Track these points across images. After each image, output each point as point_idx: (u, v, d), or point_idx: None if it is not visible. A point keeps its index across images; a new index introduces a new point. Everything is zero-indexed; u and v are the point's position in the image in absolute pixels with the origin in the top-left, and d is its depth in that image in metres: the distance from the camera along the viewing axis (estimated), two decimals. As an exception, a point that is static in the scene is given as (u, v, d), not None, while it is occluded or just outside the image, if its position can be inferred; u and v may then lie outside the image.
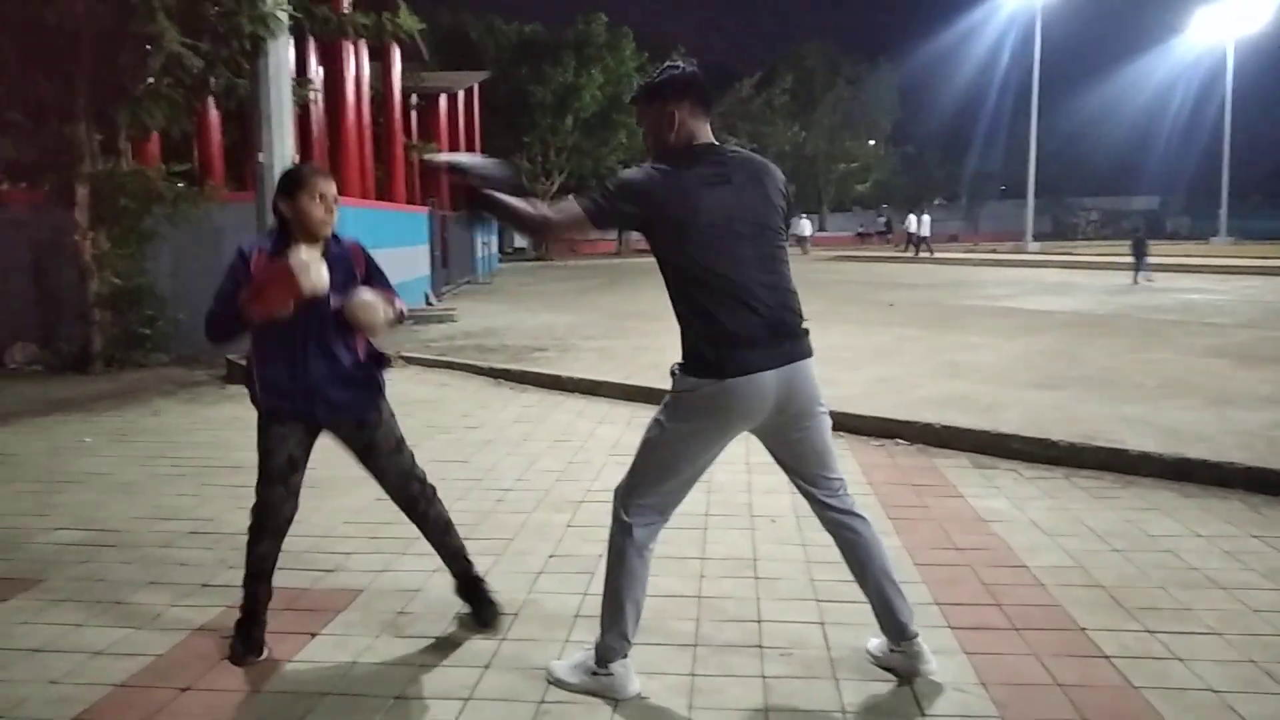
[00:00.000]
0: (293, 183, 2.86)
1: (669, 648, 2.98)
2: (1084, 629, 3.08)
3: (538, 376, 8.26)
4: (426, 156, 2.72)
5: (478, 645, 3.03)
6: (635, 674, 2.71)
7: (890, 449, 5.67)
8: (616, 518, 2.69)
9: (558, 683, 2.75)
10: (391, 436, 3.12)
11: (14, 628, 3.17)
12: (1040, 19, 36.99)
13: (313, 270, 2.71)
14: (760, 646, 2.99)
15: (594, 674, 2.69)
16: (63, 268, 9.50)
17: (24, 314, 10.02)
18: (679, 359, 2.61)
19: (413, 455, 3.21)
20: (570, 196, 2.63)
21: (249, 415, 7.49)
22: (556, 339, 10.69)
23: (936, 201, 65.90)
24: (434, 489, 3.22)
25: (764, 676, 2.79)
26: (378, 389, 3.09)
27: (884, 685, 2.73)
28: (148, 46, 7.88)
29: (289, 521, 3.04)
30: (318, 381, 2.92)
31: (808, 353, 2.61)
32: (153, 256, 9.62)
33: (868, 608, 3.22)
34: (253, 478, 4.84)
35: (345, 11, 10.58)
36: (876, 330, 11.14)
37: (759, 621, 3.18)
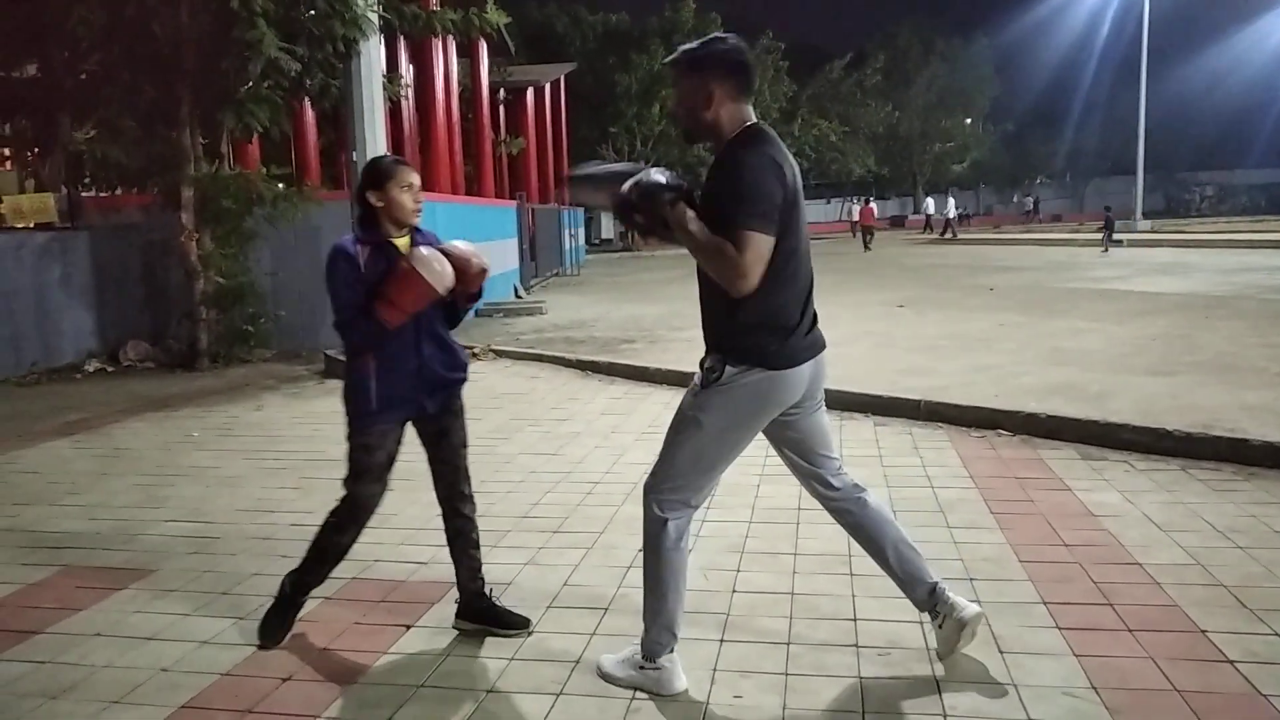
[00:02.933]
0: (382, 174, 2.88)
1: (761, 645, 2.92)
2: (1204, 631, 2.89)
3: (626, 368, 8.25)
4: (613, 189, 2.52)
5: (568, 640, 3.02)
6: (682, 670, 2.67)
7: (992, 440, 5.46)
8: (649, 512, 2.64)
9: (606, 677, 2.72)
10: (464, 430, 3.16)
11: (129, 616, 3.31)
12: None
13: (435, 266, 2.76)
14: (856, 646, 2.90)
15: (642, 669, 2.66)
16: (171, 268, 9.94)
17: (136, 313, 10.54)
18: (717, 352, 2.52)
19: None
20: (744, 230, 2.35)
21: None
22: (644, 330, 10.67)
23: (1039, 180, 63.51)
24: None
25: (860, 677, 2.70)
26: (466, 374, 3.13)
27: (988, 688, 2.61)
28: (247, 53, 8.13)
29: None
30: (434, 371, 2.96)
31: (825, 344, 2.66)
32: (254, 256, 9.97)
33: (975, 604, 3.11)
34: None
35: (434, 9, 10.74)
36: (976, 316, 10.78)
37: (854, 620, 3.08)
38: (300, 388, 8.21)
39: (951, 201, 37.27)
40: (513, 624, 3.11)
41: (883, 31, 55.21)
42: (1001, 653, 2.80)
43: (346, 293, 2.82)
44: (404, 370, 2.93)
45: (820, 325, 2.66)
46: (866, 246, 29.32)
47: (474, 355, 9.72)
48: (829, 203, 58.06)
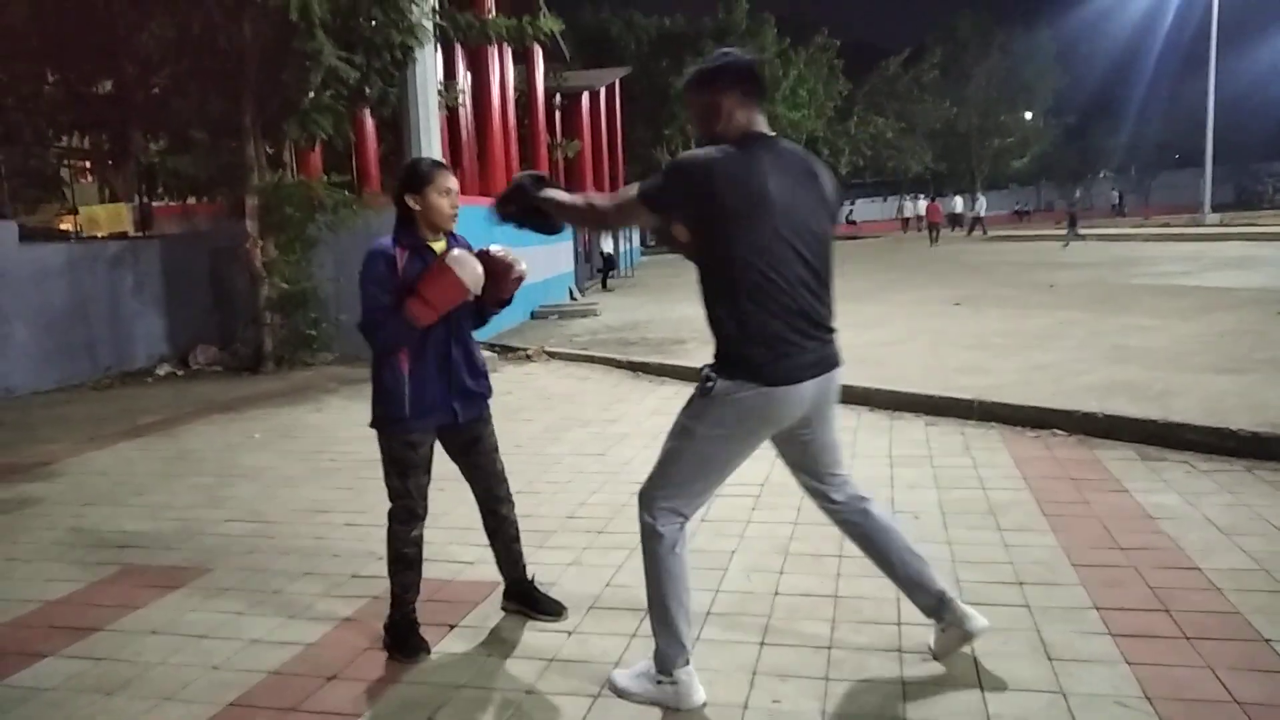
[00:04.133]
0: (420, 178, 2.91)
1: (803, 649, 2.90)
2: (1268, 640, 2.79)
3: (675, 369, 8.25)
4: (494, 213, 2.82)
5: (608, 642, 3.03)
6: (699, 682, 2.62)
7: (1047, 440, 5.34)
8: (643, 520, 2.60)
9: (621, 693, 2.67)
10: (494, 435, 3.20)
11: (184, 614, 3.41)
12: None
13: (470, 267, 2.81)
14: (899, 650, 2.85)
15: (658, 683, 2.61)
16: (237, 275, 10.23)
17: (204, 318, 10.87)
18: (714, 361, 2.49)
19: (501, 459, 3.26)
20: (635, 185, 2.56)
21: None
22: (697, 331, 10.64)
23: (1102, 174, 61.84)
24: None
25: (903, 682, 2.66)
26: (489, 384, 3.17)
27: (1034, 696, 2.55)
28: (307, 63, 8.33)
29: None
30: (462, 378, 3.00)
31: (839, 360, 2.59)
32: (316, 262, 10.20)
33: (1017, 611, 3.06)
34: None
35: (488, 16, 10.88)
36: (1035, 313, 10.54)
37: (898, 624, 3.04)
38: (358, 390, 8.37)
39: (982, 200, 38.34)
40: (547, 610, 3.21)
41: (941, 25, 54.29)
42: (1050, 659, 2.74)
43: (377, 293, 2.86)
44: (436, 375, 2.96)
45: (868, 327, 2.63)
46: (932, 242, 30.58)
47: (527, 357, 9.82)
48: (885, 200, 57.35)
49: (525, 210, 2.74)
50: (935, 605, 2.70)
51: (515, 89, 16.78)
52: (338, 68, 7.96)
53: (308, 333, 10.13)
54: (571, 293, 16.39)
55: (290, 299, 9.96)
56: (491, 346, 10.05)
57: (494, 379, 3.24)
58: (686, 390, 7.82)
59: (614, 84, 27.87)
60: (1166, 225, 33.81)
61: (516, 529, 3.28)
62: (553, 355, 9.77)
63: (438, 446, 3.10)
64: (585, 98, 24.39)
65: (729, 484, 4.75)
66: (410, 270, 2.87)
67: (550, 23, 10.66)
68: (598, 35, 35.29)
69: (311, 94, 9.22)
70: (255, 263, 9.72)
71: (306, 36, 7.71)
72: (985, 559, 3.57)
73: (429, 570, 3.69)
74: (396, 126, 14.22)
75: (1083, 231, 24.77)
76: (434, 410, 2.98)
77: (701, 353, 8.95)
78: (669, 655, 2.60)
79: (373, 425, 3.01)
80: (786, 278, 2.42)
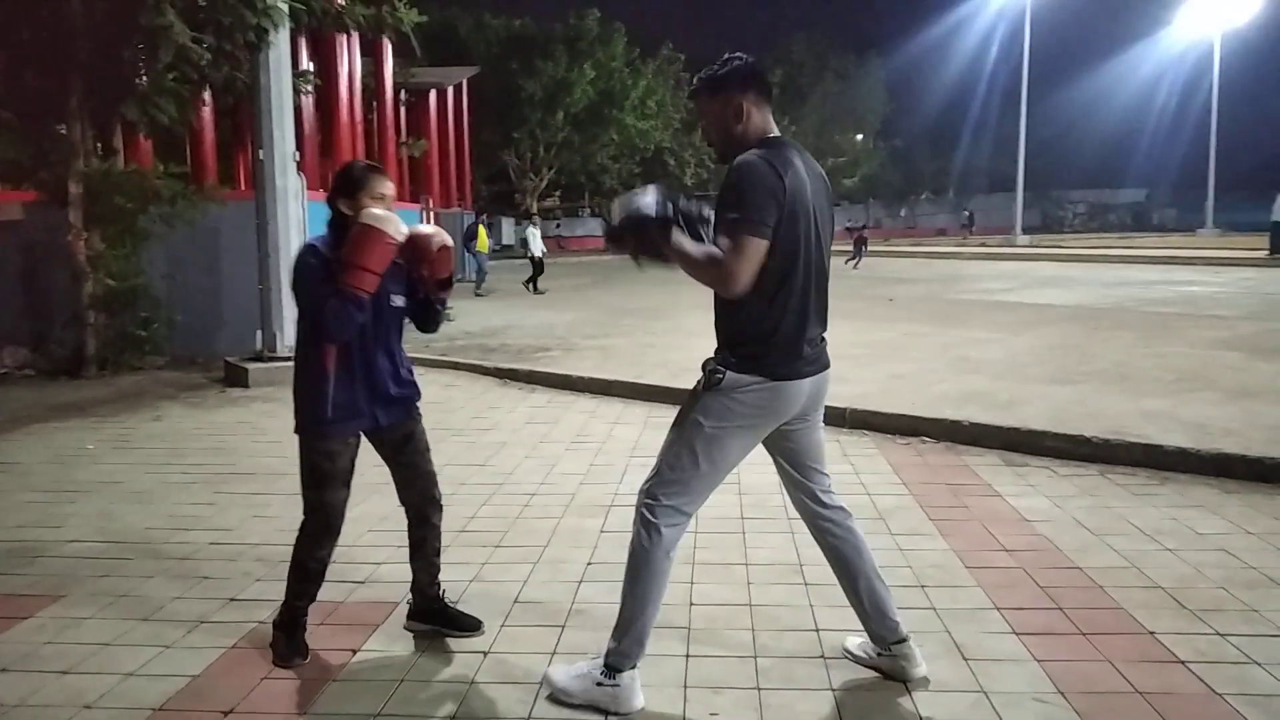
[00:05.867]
0: (353, 183, 2.80)
1: (729, 660, 2.87)
2: (1152, 633, 2.98)
3: (547, 376, 8.12)
4: (609, 225, 2.51)
5: (528, 660, 2.90)
6: (640, 687, 2.58)
7: (918, 447, 5.58)
8: (642, 519, 2.56)
9: (559, 692, 2.61)
10: (424, 436, 3.08)
11: (40, 648, 3.03)
12: (1029, 12, 36.98)
13: (387, 217, 2.68)
14: (824, 657, 2.87)
15: (599, 684, 2.56)
16: (55, 269, 9.29)
17: (14, 317, 9.80)
18: (721, 355, 2.51)
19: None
20: (732, 236, 2.35)
21: (256, 421, 7.33)
22: (558, 338, 10.55)
23: (924, 195, 65.98)
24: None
25: (833, 689, 2.68)
26: (416, 390, 3.05)
27: (959, 696, 2.62)
28: (155, 41, 7.68)
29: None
30: (385, 384, 2.87)
31: (829, 363, 2.65)
32: (148, 257, 9.43)
33: (925, 614, 3.14)
34: (267, 485, 4.73)
35: (343, 4, 10.40)
36: (882, 326, 11.05)
37: (817, 630, 3.06)
38: (201, 396, 7.79)
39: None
40: (466, 625, 3.08)
41: (779, 46, 56.48)
42: (966, 660, 2.83)
43: (319, 287, 2.70)
44: (354, 385, 2.83)
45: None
46: None
47: (385, 363, 9.41)
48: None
49: (644, 249, 2.45)
50: (888, 635, 2.69)
51: (361, 82, 16.15)
52: (188, 48, 7.37)
53: (137, 334, 9.33)
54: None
55: (118, 297, 9.15)
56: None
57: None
58: (560, 398, 7.82)
59: (462, 84, 27.35)
60: (984, 245, 36.41)
61: (440, 544, 3.13)
62: (414, 361, 9.42)
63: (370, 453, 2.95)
64: (433, 96, 23.82)
65: (622, 493, 4.74)
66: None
67: (411, 15, 10.29)
68: (444, 32, 34.48)
69: (144, 76, 8.52)
70: (78, 256, 8.88)
71: (155, 12, 7.10)
72: (885, 564, 3.58)
73: (319, 592, 3.46)
74: (236, 115, 13.43)
75: (870, 250, 24.99)
76: (356, 416, 2.83)
77: (567, 360, 8.86)
78: (626, 655, 2.55)
79: (296, 431, 2.85)
80: (811, 279, 2.48)
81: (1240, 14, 38.88)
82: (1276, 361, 7.89)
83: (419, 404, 3.07)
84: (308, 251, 2.77)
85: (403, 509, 3.09)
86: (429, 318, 3.05)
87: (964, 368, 7.88)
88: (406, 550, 3.81)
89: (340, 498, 2.88)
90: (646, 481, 2.60)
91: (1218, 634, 2.96)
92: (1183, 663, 2.77)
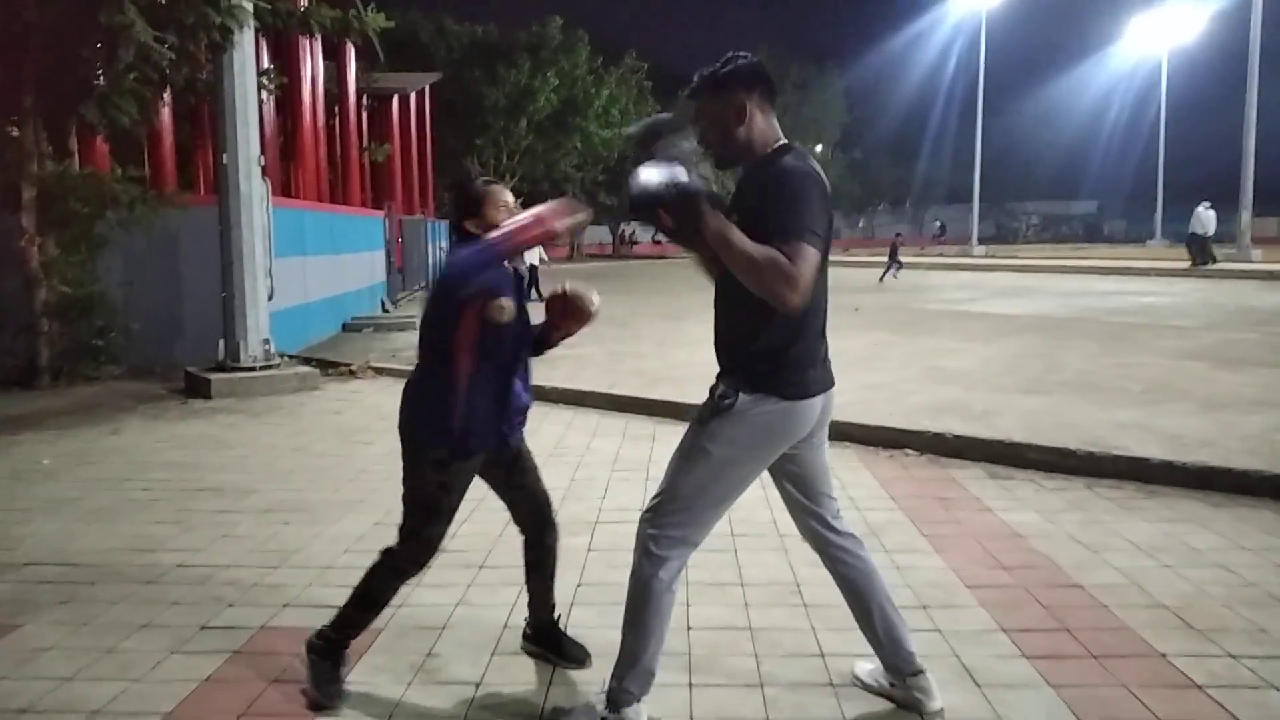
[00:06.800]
0: (476, 200, 2.67)
1: (735, 689, 2.75)
2: (1164, 655, 2.92)
3: (519, 386, 7.95)
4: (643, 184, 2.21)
5: (523, 692, 2.76)
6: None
7: (901, 460, 5.52)
8: (645, 550, 2.43)
9: None
10: (531, 454, 2.99)
11: (-4, 684, 2.83)
12: (985, 28, 37.65)
13: (567, 207, 2.56)
14: (832, 685, 2.77)
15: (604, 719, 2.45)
16: (6, 276, 8.93)
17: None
18: (731, 378, 2.38)
19: None
20: (785, 246, 2.17)
21: (219, 433, 7.07)
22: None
23: (880, 206, 66.81)
24: None
25: (846, 720, 2.58)
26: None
27: (977, 726, 2.53)
28: (116, 40, 7.40)
29: None
30: (521, 402, 2.77)
31: (834, 379, 2.51)
32: (104, 264, 9.11)
33: (931, 637, 3.06)
34: (234, 502, 4.53)
35: (308, 5, 10.17)
36: (851, 335, 11.02)
37: (822, 655, 2.96)
38: (161, 408, 7.51)
39: None
40: (573, 655, 2.95)
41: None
42: (979, 686, 2.74)
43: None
44: (493, 403, 2.69)
45: (698, 346, 2.56)
46: None
47: (351, 373, 9.19)
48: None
49: (683, 226, 2.20)
50: (901, 667, 2.60)
51: (324, 87, 15.86)
52: (150, 48, 7.11)
53: (93, 343, 9.00)
54: (384, 304, 15.65)
55: (73, 304, 8.81)
56: (308, 361, 9.31)
57: (318, 397, 2.92)
58: (535, 410, 7.57)
59: (425, 90, 27.06)
60: (941, 255, 36.88)
61: (555, 566, 3.01)
62: (379, 371, 9.21)
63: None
64: (396, 101, 23.52)
65: (610, 510, 4.61)
66: (493, 278, 2.58)
67: (377, 19, 10.08)
68: (406, 38, 34.15)
69: (102, 75, 8.23)
70: (31, 263, 8.54)
71: (115, 10, 6.83)
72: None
73: (291, 618, 3.31)
74: (195, 118, 13.11)
75: (834, 260, 25.15)
76: (486, 436, 2.71)
77: (537, 369, 8.63)
78: (629, 693, 2.42)
79: (414, 450, 2.73)
80: (821, 296, 2.38)
81: (1187, 32, 39.89)
82: (1241, 372, 7.98)
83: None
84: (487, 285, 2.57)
85: (398, 529, 2.93)
86: (539, 349, 2.90)
87: (937, 378, 7.87)
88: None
89: (445, 531, 2.76)
90: (648, 510, 2.47)
91: (1230, 655, 2.91)
92: (1200, 687, 2.71)
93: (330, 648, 2.76)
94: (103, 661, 2.97)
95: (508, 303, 2.59)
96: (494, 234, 2.52)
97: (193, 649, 3.06)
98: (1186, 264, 23.84)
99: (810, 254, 2.17)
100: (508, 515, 4.51)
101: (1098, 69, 54.04)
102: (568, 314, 2.74)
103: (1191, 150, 47.92)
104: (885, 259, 23.93)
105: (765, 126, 2.41)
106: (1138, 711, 2.58)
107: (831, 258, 2.38)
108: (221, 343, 8.34)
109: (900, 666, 2.59)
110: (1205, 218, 24.24)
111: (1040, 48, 57.67)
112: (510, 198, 2.72)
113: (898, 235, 28.44)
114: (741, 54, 2.46)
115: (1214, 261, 23.75)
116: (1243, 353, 9.20)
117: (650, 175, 2.19)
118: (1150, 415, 6.16)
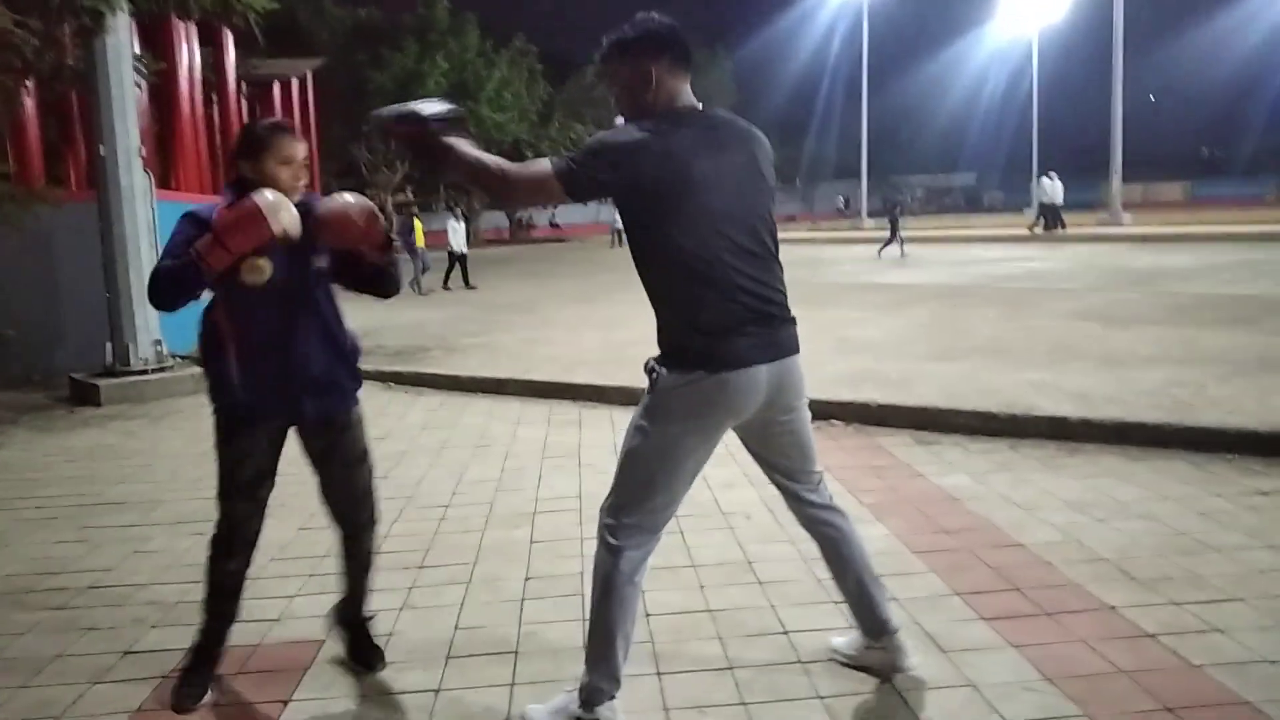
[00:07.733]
0: (255, 144, 2.48)
1: (704, 674, 2.69)
2: (1113, 607, 2.99)
3: (434, 378, 7.73)
4: (375, 113, 2.34)
5: (485, 696, 2.64)
6: (623, 715, 2.40)
7: (828, 430, 5.55)
8: (603, 541, 2.37)
9: None
10: (358, 444, 2.76)
11: (-106, 734, 2.55)
12: (867, 8, 38.53)
13: (283, 210, 2.34)
14: (801, 662, 2.74)
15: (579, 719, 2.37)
16: None
17: None
18: (657, 354, 2.32)
19: (373, 474, 2.82)
20: (546, 159, 2.30)
21: (116, 443, 6.64)
22: (435, 336, 10.12)
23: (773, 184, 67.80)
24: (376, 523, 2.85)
25: (820, 697, 2.54)
26: (358, 381, 2.74)
27: (950, 693, 2.53)
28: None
29: (258, 536, 2.68)
30: (310, 367, 2.54)
31: (797, 346, 2.42)
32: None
33: (890, 604, 3.05)
34: (143, 515, 4.25)
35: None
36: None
37: (786, 633, 2.93)
38: (46, 419, 7.00)
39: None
40: (363, 660, 2.82)
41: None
42: (944, 651, 2.75)
43: (173, 239, 2.45)
44: (265, 363, 2.51)
45: (612, 327, 2.54)
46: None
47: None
48: (586, 205, 58.82)
49: (415, 142, 2.30)
50: (876, 629, 2.59)
51: (201, 74, 15.02)
52: (10, 32, 6.56)
53: (-41, 352, 8.35)
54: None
55: (-65, 312, 8.15)
56: (205, 361, 8.83)
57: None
58: (451, 399, 7.46)
59: (307, 76, 26.01)
60: (834, 229, 37.70)
61: (370, 562, 2.84)
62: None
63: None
64: (277, 88, 22.53)
65: (547, 500, 4.49)
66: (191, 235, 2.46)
67: (260, 0, 9.55)
68: (283, 21, 32.77)
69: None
70: (-117, 268, 7.84)
71: (-33, -9, 6.28)
72: (833, 555, 3.57)
73: (230, 636, 3.08)
74: (62, 109, 12.19)
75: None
76: (271, 409, 2.53)
77: (450, 359, 8.49)
78: (600, 690, 2.34)
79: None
80: (722, 259, 2.24)
81: (1055, 13, 41.60)
82: (1130, 329, 8.36)
83: (348, 410, 2.73)
84: (186, 215, 2.49)
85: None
86: (380, 281, 2.70)
87: (847, 348, 7.98)
88: (322, 580, 3.50)
89: (245, 511, 2.60)
90: (605, 503, 2.40)
91: (1174, 603, 3.00)
92: (1152, 636, 2.78)
93: (201, 647, 2.68)
94: (16, 699, 2.71)
95: (265, 264, 2.44)
96: (226, 210, 2.39)
97: (117, 677, 2.82)
98: (1075, 229, 24.86)
99: (544, 168, 2.24)
100: (439, 512, 4.40)
101: (973, 47, 56.01)
102: (341, 239, 2.47)
103: (1063, 124, 50.19)
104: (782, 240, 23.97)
105: (674, 89, 2.34)
106: (1099, 665, 2.63)
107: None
108: (109, 346, 7.83)
109: (876, 628, 2.59)
110: (1051, 188, 25.45)
111: (920, 27, 59.55)
112: (300, 152, 2.51)
113: (897, 206, 23.89)
114: (651, 16, 2.38)
115: (1064, 228, 24.84)
116: (1129, 311, 9.65)
117: (389, 108, 2.35)
118: (1058, 375, 6.37)
